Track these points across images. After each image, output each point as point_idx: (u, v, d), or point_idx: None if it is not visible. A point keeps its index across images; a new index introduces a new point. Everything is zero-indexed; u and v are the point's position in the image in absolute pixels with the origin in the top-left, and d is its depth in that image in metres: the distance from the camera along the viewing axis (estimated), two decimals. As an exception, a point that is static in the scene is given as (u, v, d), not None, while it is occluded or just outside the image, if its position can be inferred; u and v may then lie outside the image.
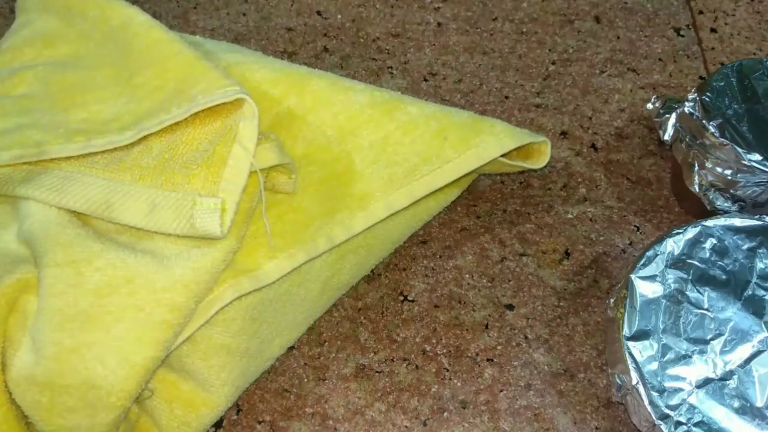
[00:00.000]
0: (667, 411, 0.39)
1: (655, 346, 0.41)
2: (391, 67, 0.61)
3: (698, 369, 0.40)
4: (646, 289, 0.42)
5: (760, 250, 0.43)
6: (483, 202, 0.54)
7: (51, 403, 0.37)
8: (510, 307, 0.49)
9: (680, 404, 0.39)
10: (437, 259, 0.51)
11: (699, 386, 0.40)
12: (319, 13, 0.65)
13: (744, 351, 0.40)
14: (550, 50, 0.62)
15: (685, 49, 0.62)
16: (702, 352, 0.41)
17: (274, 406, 0.46)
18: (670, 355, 0.40)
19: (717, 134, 0.46)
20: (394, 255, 0.51)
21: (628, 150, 0.56)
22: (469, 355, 0.47)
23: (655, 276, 0.43)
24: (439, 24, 0.64)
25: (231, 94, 0.39)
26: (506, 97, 0.59)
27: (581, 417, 0.45)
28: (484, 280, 0.50)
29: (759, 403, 0.39)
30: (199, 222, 0.37)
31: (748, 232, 0.44)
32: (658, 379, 0.40)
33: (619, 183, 0.54)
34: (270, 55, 0.51)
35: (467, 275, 0.50)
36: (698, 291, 0.42)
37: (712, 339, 0.41)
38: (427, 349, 0.48)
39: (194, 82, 0.40)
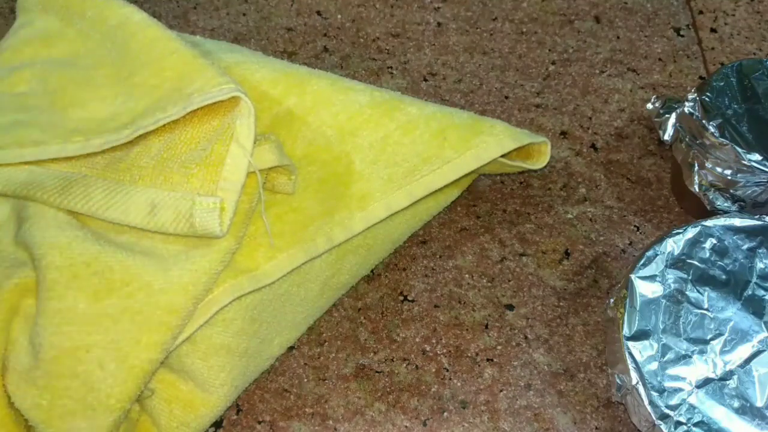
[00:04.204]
0: (667, 411, 0.39)
1: (655, 346, 0.41)
2: (391, 67, 0.61)
3: (698, 369, 0.40)
4: (646, 289, 0.42)
5: (760, 250, 0.43)
6: (483, 202, 0.54)
7: (51, 406, 0.37)
8: (510, 307, 0.49)
9: (680, 404, 0.39)
10: (437, 259, 0.51)
11: (699, 386, 0.40)
12: (319, 13, 0.65)
13: (744, 351, 0.40)
14: (550, 50, 0.62)
15: (685, 49, 0.62)
16: (702, 352, 0.41)
17: (273, 406, 0.46)
18: (670, 355, 0.40)
19: (717, 134, 0.46)
20: (394, 255, 0.51)
21: (628, 150, 0.56)
22: (469, 355, 0.47)
23: (655, 276, 0.43)
24: (439, 24, 0.64)
25: (226, 92, 0.39)
26: (506, 97, 0.59)
27: (581, 417, 0.45)
28: (484, 280, 0.50)
29: (759, 403, 0.39)
30: (199, 221, 0.37)
31: (748, 232, 0.44)
32: (658, 379, 0.40)
33: (619, 183, 0.54)
34: (270, 55, 0.51)
35: (467, 275, 0.50)
36: (698, 291, 0.42)
37: (712, 339, 0.41)
38: (427, 349, 0.48)
39: (190, 80, 0.40)
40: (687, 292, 0.42)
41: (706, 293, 0.42)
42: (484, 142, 0.46)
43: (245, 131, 0.39)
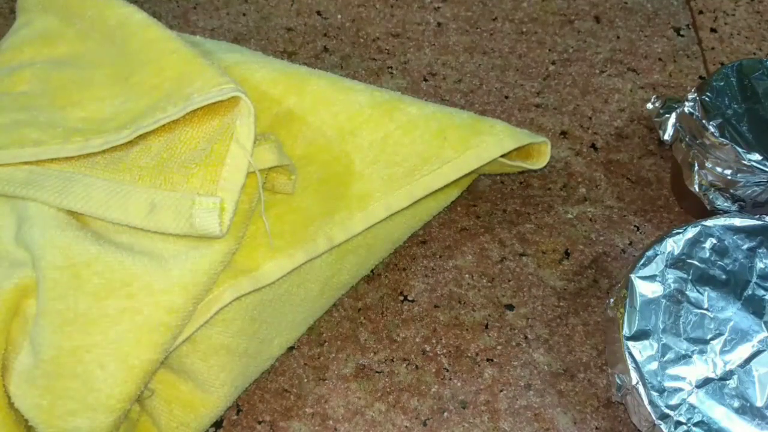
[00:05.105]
0: (666, 411, 0.39)
1: (655, 345, 0.41)
2: (391, 67, 0.61)
3: (698, 369, 0.40)
4: (645, 289, 0.42)
5: (760, 250, 0.43)
6: (483, 202, 0.54)
7: (51, 406, 0.37)
8: (510, 307, 0.49)
9: (680, 404, 0.39)
10: (437, 259, 0.51)
11: (699, 386, 0.40)
12: (319, 13, 0.65)
13: (744, 351, 0.40)
14: (550, 50, 0.62)
15: (684, 49, 0.62)
16: (702, 352, 0.41)
17: (274, 406, 0.46)
18: (670, 355, 0.40)
19: (717, 134, 0.46)
20: (394, 255, 0.51)
21: (628, 150, 0.56)
22: (469, 355, 0.47)
23: (655, 276, 0.43)
24: (439, 24, 0.64)
25: (226, 92, 0.39)
26: (506, 97, 0.59)
27: (581, 417, 0.45)
28: (484, 280, 0.50)
29: (759, 403, 0.39)
30: (198, 221, 0.37)
31: (747, 232, 0.44)
32: (658, 379, 0.40)
33: (619, 183, 0.54)
34: (270, 55, 0.51)
35: (467, 275, 0.50)
36: (698, 291, 0.42)
37: (711, 339, 0.41)
38: (427, 349, 0.48)
39: (190, 80, 0.40)
40: (687, 292, 0.42)
41: (706, 293, 0.42)
42: (484, 142, 0.46)
43: (245, 131, 0.39)
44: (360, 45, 0.63)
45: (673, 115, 0.51)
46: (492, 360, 0.47)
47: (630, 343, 0.41)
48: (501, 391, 0.46)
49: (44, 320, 0.37)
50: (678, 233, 0.44)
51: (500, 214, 0.53)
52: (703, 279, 0.43)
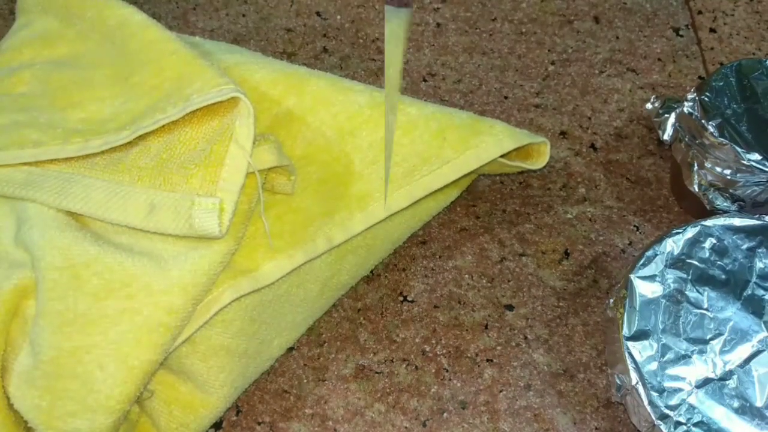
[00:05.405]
0: (666, 411, 0.39)
1: (655, 346, 0.41)
2: (391, 68, 0.61)
3: (698, 369, 0.40)
4: (645, 289, 0.42)
5: (760, 250, 0.43)
6: (482, 202, 0.54)
7: (50, 407, 0.37)
8: (510, 307, 0.49)
9: (680, 404, 0.39)
10: (437, 260, 0.51)
11: (698, 386, 0.40)
12: (318, 13, 0.65)
13: (743, 351, 0.40)
14: (549, 50, 0.62)
15: (684, 49, 0.62)
16: (701, 352, 0.41)
17: (273, 407, 0.46)
18: (669, 355, 0.40)
19: (716, 134, 0.46)
20: (394, 255, 0.51)
21: (628, 150, 0.56)
22: (469, 355, 0.47)
23: (655, 276, 0.43)
24: (438, 24, 0.64)
25: (226, 93, 0.39)
26: (505, 98, 0.59)
27: (581, 417, 0.45)
28: (484, 281, 0.50)
29: (758, 403, 0.39)
30: (198, 222, 0.37)
31: (747, 232, 0.44)
32: (658, 379, 0.40)
33: (618, 183, 0.54)
34: (269, 56, 0.51)
35: (467, 275, 0.50)
36: (698, 291, 0.42)
37: (711, 339, 0.41)
38: (427, 349, 0.48)
39: (189, 81, 0.40)
40: (687, 292, 0.42)
41: (705, 293, 0.42)
42: (484, 142, 0.46)
43: (244, 132, 0.39)
44: (359, 46, 0.63)
45: (673, 115, 0.51)
46: (492, 360, 0.47)
47: (630, 344, 0.41)
48: (501, 391, 0.46)
49: (44, 321, 0.37)
50: (677, 233, 0.44)
51: (500, 215, 0.53)
52: (702, 279, 0.43)
